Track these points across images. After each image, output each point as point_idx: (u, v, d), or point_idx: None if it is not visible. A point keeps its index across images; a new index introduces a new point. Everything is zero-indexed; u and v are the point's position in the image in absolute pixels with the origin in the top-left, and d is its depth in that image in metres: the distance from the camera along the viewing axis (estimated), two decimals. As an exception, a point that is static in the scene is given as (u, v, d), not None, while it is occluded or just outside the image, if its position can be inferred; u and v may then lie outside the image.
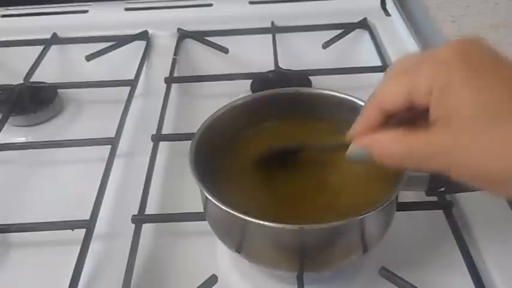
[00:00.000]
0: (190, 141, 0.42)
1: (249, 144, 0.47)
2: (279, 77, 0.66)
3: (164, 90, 0.64)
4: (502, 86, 0.29)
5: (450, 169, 0.31)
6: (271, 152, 0.44)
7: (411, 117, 0.33)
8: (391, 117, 0.34)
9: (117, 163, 0.54)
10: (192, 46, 0.75)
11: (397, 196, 0.39)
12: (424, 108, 0.31)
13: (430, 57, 0.31)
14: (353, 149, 0.36)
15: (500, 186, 0.30)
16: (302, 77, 0.66)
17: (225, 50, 0.71)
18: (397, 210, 0.42)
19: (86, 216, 0.47)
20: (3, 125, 0.60)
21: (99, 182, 0.51)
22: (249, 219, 0.36)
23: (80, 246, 0.45)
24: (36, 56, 0.71)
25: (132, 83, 0.65)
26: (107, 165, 0.53)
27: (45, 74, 0.69)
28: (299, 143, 0.44)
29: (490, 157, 0.29)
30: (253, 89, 0.65)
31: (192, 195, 0.42)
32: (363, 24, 0.75)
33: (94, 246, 0.46)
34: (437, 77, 0.30)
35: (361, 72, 0.67)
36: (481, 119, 0.29)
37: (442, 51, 0.31)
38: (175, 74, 0.68)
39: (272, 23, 0.76)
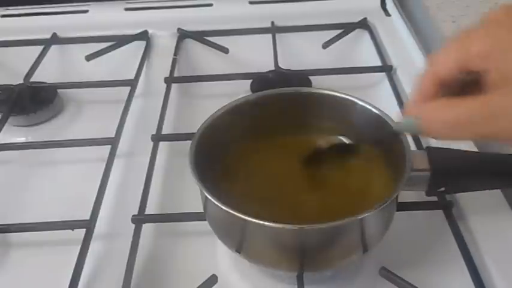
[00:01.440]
0: (190, 141, 0.42)
1: (249, 144, 0.47)
2: (279, 77, 0.66)
3: (164, 90, 0.64)
4: None
5: (507, 133, 0.29)
6: (318, 151, 0.44)
7: (465, 88, 0.32)
8: (446, 88, 0.33)
9: (117, 163, 0.54)
10: (192, 46, 0.75)
11: (397, 196, 0.39)
12: (477, 77, 0.30)
13: (484, 21, 0.31)
14: (402, 119, 0.35)
15: None
16: (302, 77, 0.66)
17: (225, 50, 0.71)
18: (397, 210, 0.42)
19: (86, 216, 0.47)
20: (3, 125, 0.60)
21: (99, 182, 0.51)
22: (249, 219, 0.36)
23: (80, 246, 0.45)
24: (36, 56, 0.71)
25: (132, 83, 0.65)
26: (106, 165, 0.53)
27: (45, 74, 0.69)
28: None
29: None
30: (253, 89, 0.65)
31: (192, 195, 0.42)
32: (363, 24, 0.75)
33: (94, 246, 0.46)
34: (496, 39, 0.29)
35: (361, 72, 0.67)
36: None
37: (497, 14, 0.30)
38: (175, 74, 0.68)
39: (272, 23, 0.76)
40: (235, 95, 0.52)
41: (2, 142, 0.58)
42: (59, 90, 0.67)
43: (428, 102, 0.33)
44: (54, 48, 0.74)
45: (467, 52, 0.30)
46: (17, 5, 0.81)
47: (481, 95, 0.30)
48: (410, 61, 0.67)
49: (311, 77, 0.66)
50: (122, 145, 0.56)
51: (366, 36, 0.74)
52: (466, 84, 0.32)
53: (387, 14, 0.79)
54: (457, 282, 0.43)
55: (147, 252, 0.46)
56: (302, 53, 0.74)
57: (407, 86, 0.63)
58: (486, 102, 0.29)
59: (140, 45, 0.74)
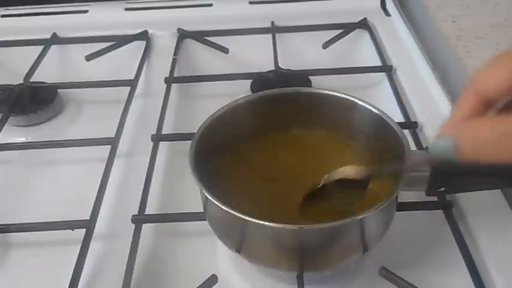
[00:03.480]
0: (190, 141, 0.42)
1: (249, 144, 0.47)
2: (279, 77, 0.66)
3: (164, 90, 0.64)
4: None
5: None
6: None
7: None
8: (490, 107, 0.30)
9: (117, 163, 0.54)
10: (192, 46, 0.75)
11: (397, 196, 0.39)
12: None
13: None
14: (438, 140, 0.32)
15: None
16: (302, 77, 0.66)
17: (225, 50, 0.71)
18: (397, 210, 0.42)
19: (86, 216, 0.47)
20: (3, 125, 0.60)
21: (99, 182, 0.51)
22: (249, 219, 0.36)
23: (80, 246, 0.45)
24: (36, 56, 0.71)
25: (132, 83, 0.65)
26: (106, 165, 0.53)
27: (45, 74, 0.69)
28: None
29: None
30: (253, 89, 0.65)
31: (192, 195, 0.42)
32: (363, 24, 0.75)
33: (94, 246, 0.46)
34: None
35: (361, 72, 0.67)
36: None
37: None
38: (175, 74, 0.68)
39: (272, 23, 0.76)
40: (235, 95, 0.52)
41: (2, 142, 0.58)
42: (59, 90, 0.67)
43: (469, 121, 0.30)
44: (54, 48, 0.74)
45: None
46: (17, 5, 0.81)
47: None
48: (410, 61, 0.67)
49: (311, 77, 0.66)
50: (122, 145, 0.56)
51: (366, 36, 0.74)
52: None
53: (387, 14, 0.79)
54: (457, 282, 0.43)
55: (147, 252, 0.46)
56: (302, 53, 0.74)
57: (407, 86, 0.63)
58: None
59: (140, 45, 0.74)
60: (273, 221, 0.35)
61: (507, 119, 0.28)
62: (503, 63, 0.29)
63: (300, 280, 0.41)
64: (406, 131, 0.43)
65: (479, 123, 0.29)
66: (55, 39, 0.75)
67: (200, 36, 0.74)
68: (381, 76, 0.66)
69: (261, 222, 0.35)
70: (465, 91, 0.31)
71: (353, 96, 0.46)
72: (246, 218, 0.36)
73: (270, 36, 0.73)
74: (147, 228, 0.47)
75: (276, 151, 0.47)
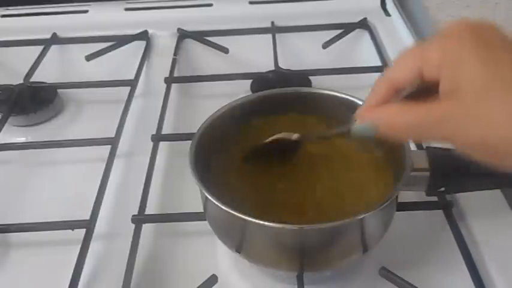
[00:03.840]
0: (190, 141, 0.42)
1: (249, 144, 0.47)
2: (279, 77, 0.66)
3: (164, 90, 0.64)
4: None
5: (455, 137, 0.31)
6: (267, 145, 0.44)
7: (419, 94, 0.34)
8: (400, 94, 0.34)
9: (117, 163, 0.54)
10: (192, 46, 0.75)
11: (397, 196, 0.39)
12: (433, 84, 0.32)
13: (440, 33, 0.32)
14: (358, 125, 0.36)
15: (499, 158, 0.30)
16: (302, 77, 0.66)
17: (225, 50, 0.71)
18: (397, 210, 0.42)
19: (86, 216, 0.47)
20: (3, 125, 0.60)
21: (99, 182, 0.51)
22: (249, 219, 0.36)
23: (80, 246, 0.45)
24: (36, 56, 0.71)
25: (132, 83, 0.65)
26: (107, 165, 0.53)
27: (45, 74, 0.69)
28: (296, 135, 0.44)
29: (499, 126, 0.29)
30: (253, 89, 0.65)
31: (192, 195, 0.42)
32: (363, 24, 0.75)
33: (94, 246, 0.46)
34: (448, 50, 0.31)
35: (361, 72, 0.67)
36: (492, 89, 0.29)
37: (452, 27, 0.32)
38: (175, 74, 0.68)
39: (272, 23, 0.76)
40: (235, 95, 0.52)
41: (2, 142, 0.58)
42: (59, 90, 0.67)
43: (383, 107, 0.34)
44: (54, 48, 0.74)
45: (424, 60, 0.32)
46: (17, 5, 0.81)
47: (433, 102, 0.31)
48: (410, 61, 0.67)
49: (311, 77, 0.66)
50: (122, 145, 0.56)
51: (366, 36, 0.74)
52: (419, 92, 0.33)
53: (387, 14, 0.79)
54: (457, 282, 0.43)
55: (147, 252, 0.46)
56: (302, 53, 0.74)
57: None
58: (437, 109, 0.31)
59: (140, 45, 0.74)
60: (273, 221, 0.35)
61: (420, 105, 0.32)
62: (410, 53, 0.33)
63: (300, 280, 0.41)
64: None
65: (395, 107, 0.34)
66: (55, 39, 0.75)
67: (200, 36, 0.74)
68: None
69: (261, 222, 0.35)
70: (378, 79, 0.35)
71: (353, 96, 0.46)
72: (246, 218, 0.36)
73: (270, 36, 0.73)
74: (147, 228, 0.47)
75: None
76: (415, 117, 0.32)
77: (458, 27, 0.31)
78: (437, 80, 0.31)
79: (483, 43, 0.30)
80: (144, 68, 0.70)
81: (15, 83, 0.67)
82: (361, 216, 0.36)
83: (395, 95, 0.34)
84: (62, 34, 0.76)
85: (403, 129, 0.33)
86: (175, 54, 0.71)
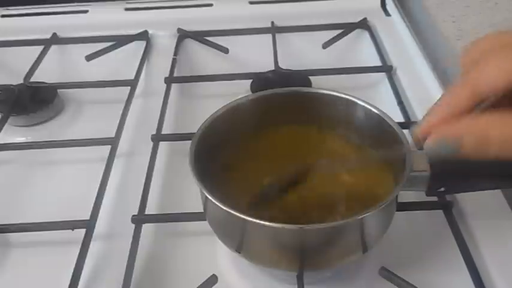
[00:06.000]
0: (190, 141, 0.42)
1: (249, 144, 0.47)
2: (279, 77, 0.66)
3: (164, 90, 0.64)
4: None
5: None
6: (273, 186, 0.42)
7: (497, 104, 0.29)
8: (481, 104, 0.29)
9: (117, 163, 0.54)
10: (192, 46, 0.75)
11: (397, 196, 0.39)
12: None
13: None
14: (433, 142, 0.31)
15: None
16: (302, 77, 0.66)
17: (225, 50, 0.71)
18: (397, 210, 0.42)
19: (86, 216, 0.47)
20: (3, 125, 0.60)
21: (99, 182, 0.51)
22: (249, 219, 0.36)
23: (80, 246, 0.45)
24: (36, 56, 0.71)
25: (132, 83, 0.65)
26: (107, 165, 0.53)
27: (45, 74, 0.69)
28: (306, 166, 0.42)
29: None
30: (253, 89, 0.65)
31: (192, 195, 0.42)
32: (363, 24, 0.75)
33: (94, 246, 0.46)
34: None
35: (361, 72, 0.67)
36: None
37: None
38: (175, 74, 0.68)
39: (272, 23, 0.76)
40: (235, 95, 0.52)
41: (2, 142, 0.58)
42: (59, 90, 0.67)
43: (469, 119, 0.29)
44: (54, 48, 0.74)
45: None
46: (17, 5, 0.81)
47: None
48: (410, 61, 0.67)
49: (311, 77, 0.66)
50: (122, 145, 0.56)
51: (366, 36, 0.74)
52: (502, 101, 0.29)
53: (387, 14, 0.79)
54: (457, 282, 0.43)
55: (147, 252, 0.46)
56: (302, 53, 0.74)
57: (407, 86, 0.63)
58: None
59: (140, 45, 0.74)
60: (273, 221, 0.35)
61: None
62: (499, 54, 0.28)
63: (300, 280, 0.41)
64: (406, 131, 0.43)
65: (487, 119, 0.29)
66: (55, 39, 0.75)
67: (200, 36, 0.74)
68: (380, 76, 0.66)
69: (261, 222, 0.35)
70: (456, 86, 0.30)
71: (353, 96, 0.46)
72: (246, 218, 0.36)
73: (270, 36, 0.73)
74: (147, 228, 0.47)
75: (276, 151, 0.47)
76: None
77: None
78: None
79: None
80: (144, 68, 0.70)
81: (15, 83, 0.67)
82: (361, 216, 0.36)
83: (476, 106, 0.29)
84: (62, 34, 0.76)
85: (499, 144, 0.28)
86: (175, 54, 0.71)
